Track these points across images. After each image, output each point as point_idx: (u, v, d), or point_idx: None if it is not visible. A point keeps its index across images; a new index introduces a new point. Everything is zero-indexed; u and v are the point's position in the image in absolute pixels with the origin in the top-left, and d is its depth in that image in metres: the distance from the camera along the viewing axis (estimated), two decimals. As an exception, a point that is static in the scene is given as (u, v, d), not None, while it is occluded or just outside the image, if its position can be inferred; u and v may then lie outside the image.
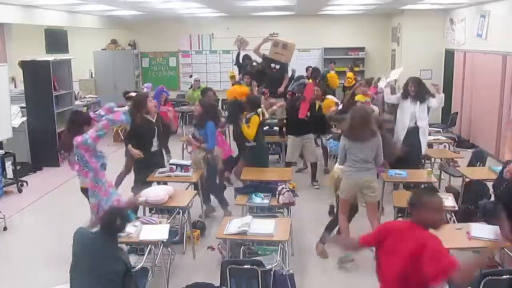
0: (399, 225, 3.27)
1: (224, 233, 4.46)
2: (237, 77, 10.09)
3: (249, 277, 3.87)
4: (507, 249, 4.18)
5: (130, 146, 5.92)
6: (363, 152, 5.04)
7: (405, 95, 6.83)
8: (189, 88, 11.66)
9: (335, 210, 5.83)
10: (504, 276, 3.62)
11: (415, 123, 6.75)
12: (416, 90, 6.70)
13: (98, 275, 3.24)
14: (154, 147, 6.13)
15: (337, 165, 5.57)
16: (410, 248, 2.84)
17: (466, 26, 10.73)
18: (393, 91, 7.44)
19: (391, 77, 7.49)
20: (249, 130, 6.47)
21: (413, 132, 6.77)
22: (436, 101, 6.79)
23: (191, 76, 11.90)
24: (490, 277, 3.58)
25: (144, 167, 6.01)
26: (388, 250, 3.02)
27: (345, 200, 5.24)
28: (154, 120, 6.14)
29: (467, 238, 4.19)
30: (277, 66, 8.96)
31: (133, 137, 5.99)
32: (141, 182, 5.81)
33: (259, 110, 6.59)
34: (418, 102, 6.71)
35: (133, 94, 6.97)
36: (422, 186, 6.00)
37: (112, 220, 3.35)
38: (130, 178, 6.48)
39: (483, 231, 4.24)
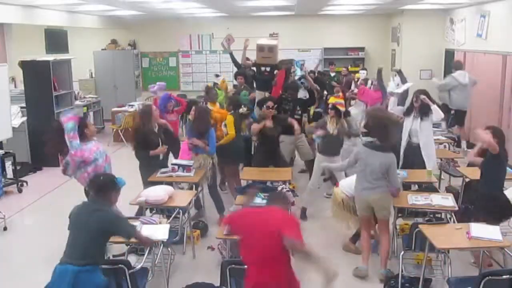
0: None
1: (224, 233, 4.46)
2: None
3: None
4: (507, 249, 4.17)
5: (152, 151, 6.00)
6: (373, 166, 4.82)
7: (410, 109, 6.50)
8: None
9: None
10: (504, 276, 3.63)
11: (415, 139, 6.40)
12: (420, 104, 6.34)
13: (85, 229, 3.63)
14: (160, 156, 6.23)
15: (337, 189, 5.51)
16: None
17: (466, 26, 10.74)
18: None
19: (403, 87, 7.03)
20: (229, 135, 6.61)
21: (412, 150, 6.42)
22: (434, 115, 6.40)
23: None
24: (490, 277, 3.58)
25: (151, 172, 6.07)
26: None
27: (362, 217, 5.05)
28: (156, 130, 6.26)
29: (467, 238, 4.18)
30: (267, 69, 9.03)
31: (141, 146, 6.06)
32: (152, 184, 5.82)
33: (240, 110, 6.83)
34: (419, 119, 6.36)
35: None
36: (423, 186, 6.01)
37: (103, 182, 3.84)
38: (131, 179, 6.48)
39: (483, 231, 4.24)
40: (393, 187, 4.90)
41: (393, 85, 8.39)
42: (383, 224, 5.01)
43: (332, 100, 6.57)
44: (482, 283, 3.54)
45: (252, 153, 7.37)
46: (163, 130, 6.67)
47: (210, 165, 6.32)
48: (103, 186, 3.85)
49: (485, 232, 4.23)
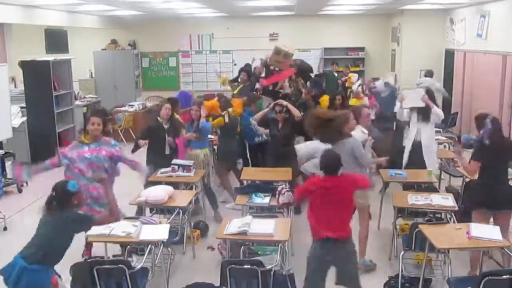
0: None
1: (224, 233, 4.45)
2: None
3: (249, 277, 3.87)
4: (507, 249, 4.17)
5: (140, 140, 6.10)
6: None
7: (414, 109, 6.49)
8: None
9: None
10: (504, 276, 3.62)
11: (419, 138, 6.43)
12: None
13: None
14: (167, 150, 6.25)
15: None
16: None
17: (466, 26, 10.73)
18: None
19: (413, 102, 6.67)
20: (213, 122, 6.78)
21: (417, 149, 6.47)
22: (433, 117, 6.41)
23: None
24: (490, 277, 3.58)
25: (156, 169, 6.07)
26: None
27: None
28: (165, 125, 6.27)
29: (467, 238, 4.17)
30: (277, 68, 9.08)
31: (146, 137, 6.19)
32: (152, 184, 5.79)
33: (225, 112, 6.92)
34: (421, 120, 6.41)
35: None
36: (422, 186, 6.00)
37: (54, 195, 3.79)
38: (130, 179, 6.47)
39: (483, 231, 4.24)
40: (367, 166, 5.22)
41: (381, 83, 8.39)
42: (362, 212, 5.07)
43: (354, 102, 6.56)
44: (482, 283, 3.54)
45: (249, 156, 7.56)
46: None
47: (204, 159, 6.51)
48: (56, 198, 3.81)
49: (485, 232, 4.23)
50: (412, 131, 6.58)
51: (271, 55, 8.98)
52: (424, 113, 6.42)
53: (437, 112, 6.42)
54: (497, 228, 4.31)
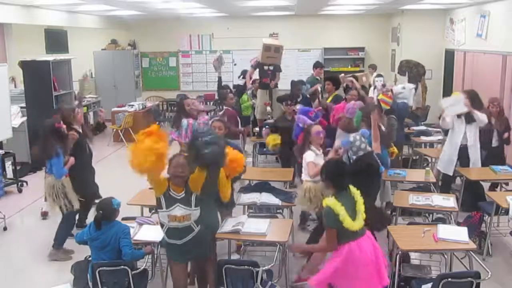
0: None
1: (217, 232, 4.38)
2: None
3: (245, 277, 3.88)
4: (472, 252, 4.13)
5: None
6: None
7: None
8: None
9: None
10: (463, 280, 3.59)
11: (464, 141, 6.29)
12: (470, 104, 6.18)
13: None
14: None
15: (306, 178, 4.99)
16: None
17: (466, 26, 10.74)
18: None
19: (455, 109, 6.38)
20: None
21: (464, 153, 6.33)
22: (478, 120, 6.22)
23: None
24: (448, 279, 3.56)
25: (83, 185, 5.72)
26: None
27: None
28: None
29: (434, 240, 4.14)
30: (271, 68, 9.12)
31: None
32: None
33: None
34: (466, 122, 6.23)
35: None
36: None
37: (104, 213, 4.15)
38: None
39: (450, 233, 4.22)
40: None
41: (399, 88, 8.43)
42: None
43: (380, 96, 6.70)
44: (440, 286, 3.52)
45: None
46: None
47: None
48: (106, 215, 4.16)
49: (452, 233, 4.20)
50: (458, 135, 6.37)
51: (262, 54, 8.97)
52: (469, 115, 6.24)
53: (480, 118, 6.21)
54: (465, 229, 4.29)
